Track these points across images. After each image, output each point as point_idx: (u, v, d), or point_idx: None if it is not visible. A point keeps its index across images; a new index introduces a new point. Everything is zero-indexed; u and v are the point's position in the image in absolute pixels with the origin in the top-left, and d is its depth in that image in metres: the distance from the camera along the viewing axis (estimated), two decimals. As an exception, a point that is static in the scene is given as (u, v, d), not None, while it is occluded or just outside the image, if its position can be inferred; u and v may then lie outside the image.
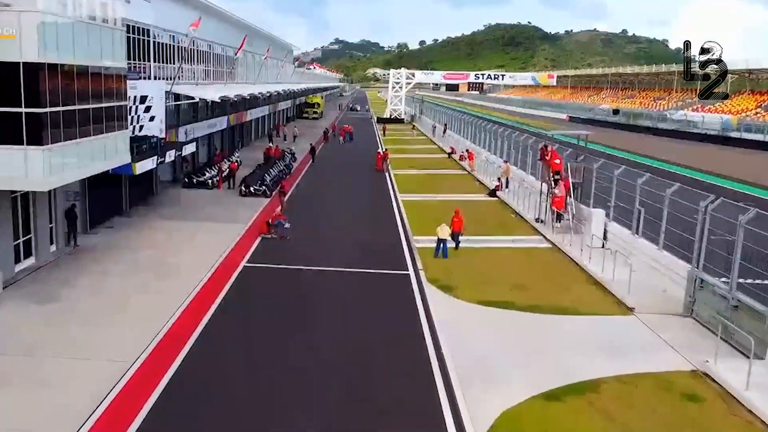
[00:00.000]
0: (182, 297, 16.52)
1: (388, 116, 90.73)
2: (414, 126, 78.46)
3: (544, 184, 25.85)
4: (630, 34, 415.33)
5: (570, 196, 23.77)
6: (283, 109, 73.69)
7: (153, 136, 26.64)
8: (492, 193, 32.87)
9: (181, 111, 34.15)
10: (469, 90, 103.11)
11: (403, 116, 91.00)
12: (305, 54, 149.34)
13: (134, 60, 27.50)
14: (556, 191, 23.54)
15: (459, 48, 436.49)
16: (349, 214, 28.47)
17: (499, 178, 33.55)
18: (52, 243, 19.97)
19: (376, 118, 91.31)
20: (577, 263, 20.73)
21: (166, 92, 29.22)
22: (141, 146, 24.29)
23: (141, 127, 27.12)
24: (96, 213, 23.65)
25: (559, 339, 14.90)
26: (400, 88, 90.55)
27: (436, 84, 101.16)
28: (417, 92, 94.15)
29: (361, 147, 56.51)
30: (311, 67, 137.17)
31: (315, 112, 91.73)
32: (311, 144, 47.47)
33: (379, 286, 18.83)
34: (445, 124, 66.24)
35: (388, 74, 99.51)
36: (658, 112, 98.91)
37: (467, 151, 45.69)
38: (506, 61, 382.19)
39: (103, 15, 19.85)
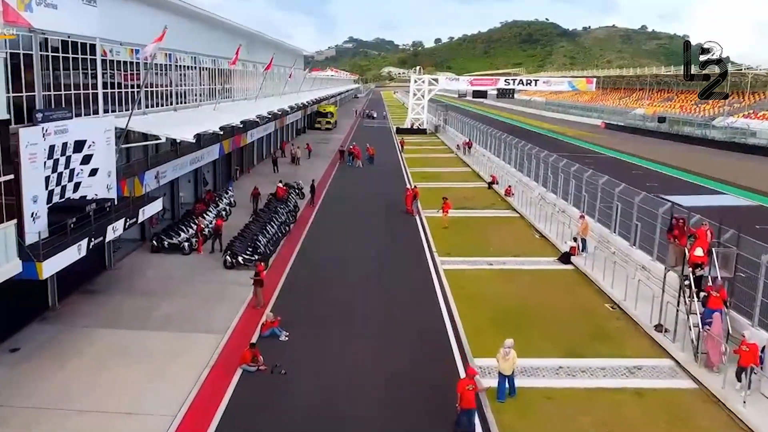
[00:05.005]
0: None
1: (409, 126, 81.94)
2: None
3: (671, 271, 17.24)
4: (650, 29, 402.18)
5: (726, 306, 15.17)
6: (292, 122, 65.30)
7: (91, 200, 18.48)
8: (565, 258, 24.30)
9: (151, 147, 25.85)
10: (498, 97, 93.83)
11: (425, 126, 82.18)
12: (319, 53, 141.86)
13: (68, 90, 19.23)
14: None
15: (475, 46, 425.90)
16: (370, 305, 19.83)
17: (575, 238, 24.89)
18: None
19: (395, 129, 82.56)
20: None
21: (120, 130, 20.99)
22: (60, 224, 16.07)
23: (77, 185, 18.91)
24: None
25: None
26: (422, 96, 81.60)
27: (462, 93, 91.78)
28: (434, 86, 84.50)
29: (381, 173, 47.51)
30: (327, 72, 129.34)
31: (328, 122, 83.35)
32: (312, 182, 36.11)
33: None
34: (470, 141, 57.59)
35: (403, 74, 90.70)
36: (703, 118, 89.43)
37: (509, 186, 37.24)
38: (523, 58, 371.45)
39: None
